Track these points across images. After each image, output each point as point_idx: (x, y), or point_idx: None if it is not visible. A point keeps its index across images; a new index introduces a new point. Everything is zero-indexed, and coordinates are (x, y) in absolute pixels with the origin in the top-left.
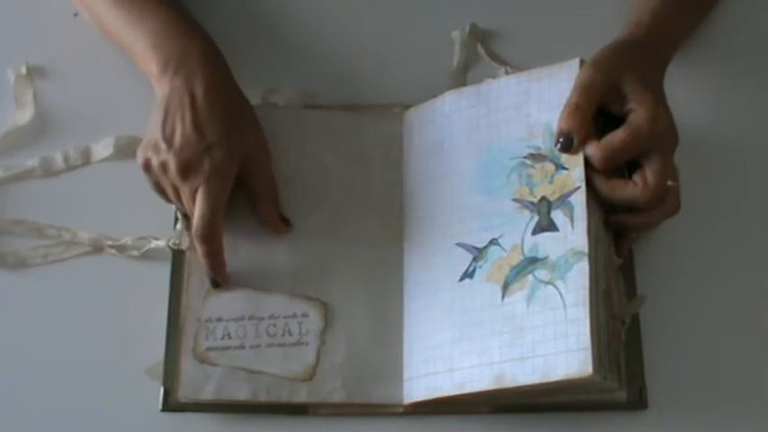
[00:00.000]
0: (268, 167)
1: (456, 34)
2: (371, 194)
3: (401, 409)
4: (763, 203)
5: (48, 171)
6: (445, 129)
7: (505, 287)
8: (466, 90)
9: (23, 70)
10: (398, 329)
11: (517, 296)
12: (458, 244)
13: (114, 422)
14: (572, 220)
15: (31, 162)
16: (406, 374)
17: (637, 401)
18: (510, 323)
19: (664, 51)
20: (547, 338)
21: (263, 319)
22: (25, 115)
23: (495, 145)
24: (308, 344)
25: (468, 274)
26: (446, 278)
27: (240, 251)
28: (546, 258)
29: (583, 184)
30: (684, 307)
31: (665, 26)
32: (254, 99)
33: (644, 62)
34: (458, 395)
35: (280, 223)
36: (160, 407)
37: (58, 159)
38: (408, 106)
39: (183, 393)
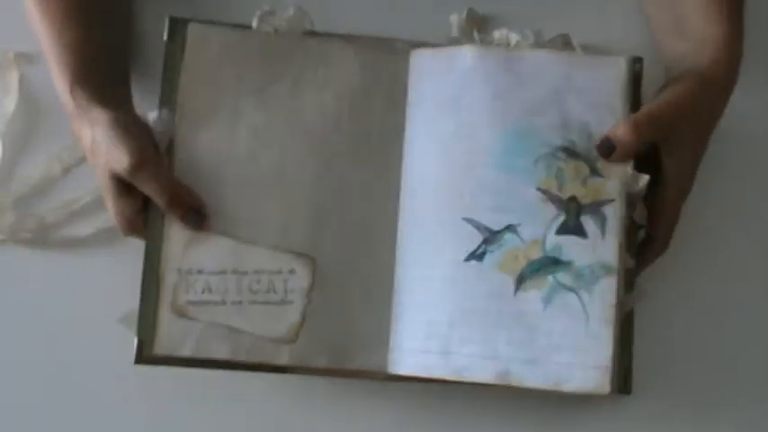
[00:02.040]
0: (159, 174)
1: (454, 18)
2: (370, 140)
3: (382, 377)
4: (761, 197)
5: None
6: (465, 85)
7: (520, 281)
8: (493, 50)
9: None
10: (389, 294)
11: (533, 294)
12: (465, 219)
13: (85, 373)
14: (603, 232)
15: None
16: (392, 343)
17: (621, 387)
18: (521, 321)
19: (729, 91)
20: (563, 346)
21: (246, 273)
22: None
23: (524, 122)
24: (292, 303)
25: (477, 256)
26: (448, 253)
27: (226, 197)
28: (570, 263)
29: (619, 199)
30: (671, 293)
31: (736, 58)
32: (250, 22)
33: (706, 122)
34: (452, 380)
35: (190, 222)
36: (134, 359)
37: None
38: (413, 44)
39: (160, 348)
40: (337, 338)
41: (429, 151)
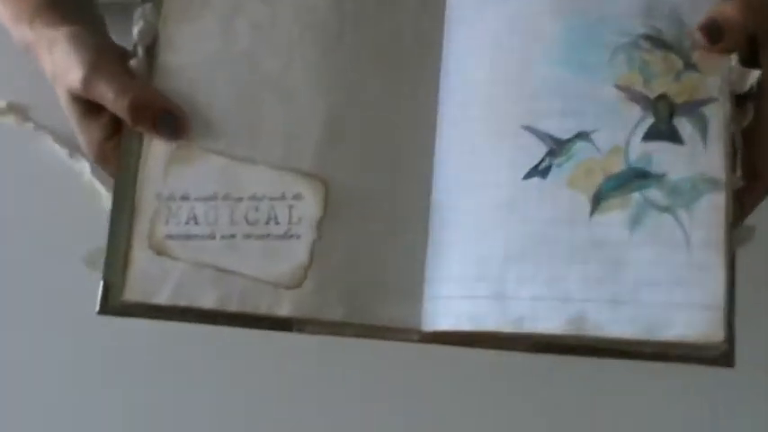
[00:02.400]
0: (118, 77)
1: None
2: (398, 39)
3: (416, 337)
4: None
5: None
6: None
7: (597, 201)
8: None
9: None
10: (423, 228)
11: (615, 216)
12: (525, 127)
13: (42, 324)
14: (704, 137)
15: None
16: (428, 291)
17: (724, 355)
18: (601, 251)
19: None
20: (657, 282)
21: (241, 199)
22: None
23: (595, 10)
24: (299, 237)
25: (540, 172)
26: (502, 170)
27: (218, 107)
28: (663, 176)
29: (722, 98)
30: None
31: None
32: None
33: None
34: (509, 332)
35: (165, 128)
36: (97, 307)
37: None
38: None
39: (131, 294)
40: (355, 284)
41: (475, 51)
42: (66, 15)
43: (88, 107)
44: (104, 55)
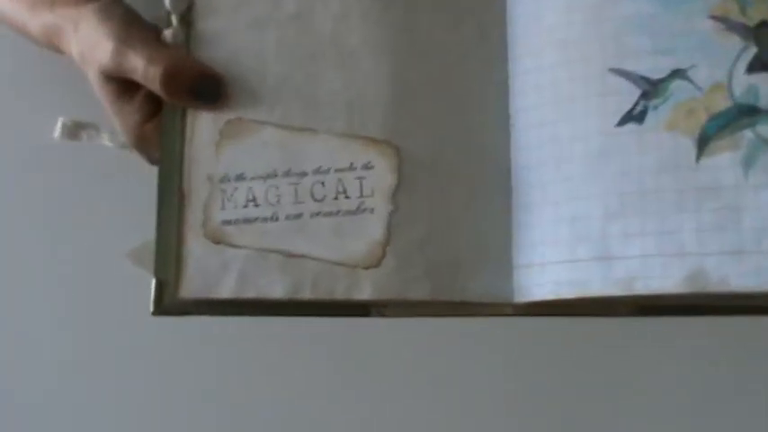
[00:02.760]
0: (148, 45)
1: None
2: None
3: (509, 311)
4: None
5: None
6: None
7: (703, 142)
8: None
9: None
10: (505, 190)
11: (725, 158)
12: (611, 70)
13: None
14: None
15: None
16: (518, 259)
17: None
18: (714, 197)
19: None
20: None
21: (305, 174)
22: None
23: None
24: (372, 210)
25: (635, 117)
26: (591, 118)
27: (268, 74)
28: None
29: None
30: None
31: None
32: None
33: None
34: (616, 296)
35: (206, 93)
36: (151, 308)
37: None
38: None
39: (189, 289)
40: (439, 258)
41: None
42: None
43: (122, 87)
44: (134, 25)
